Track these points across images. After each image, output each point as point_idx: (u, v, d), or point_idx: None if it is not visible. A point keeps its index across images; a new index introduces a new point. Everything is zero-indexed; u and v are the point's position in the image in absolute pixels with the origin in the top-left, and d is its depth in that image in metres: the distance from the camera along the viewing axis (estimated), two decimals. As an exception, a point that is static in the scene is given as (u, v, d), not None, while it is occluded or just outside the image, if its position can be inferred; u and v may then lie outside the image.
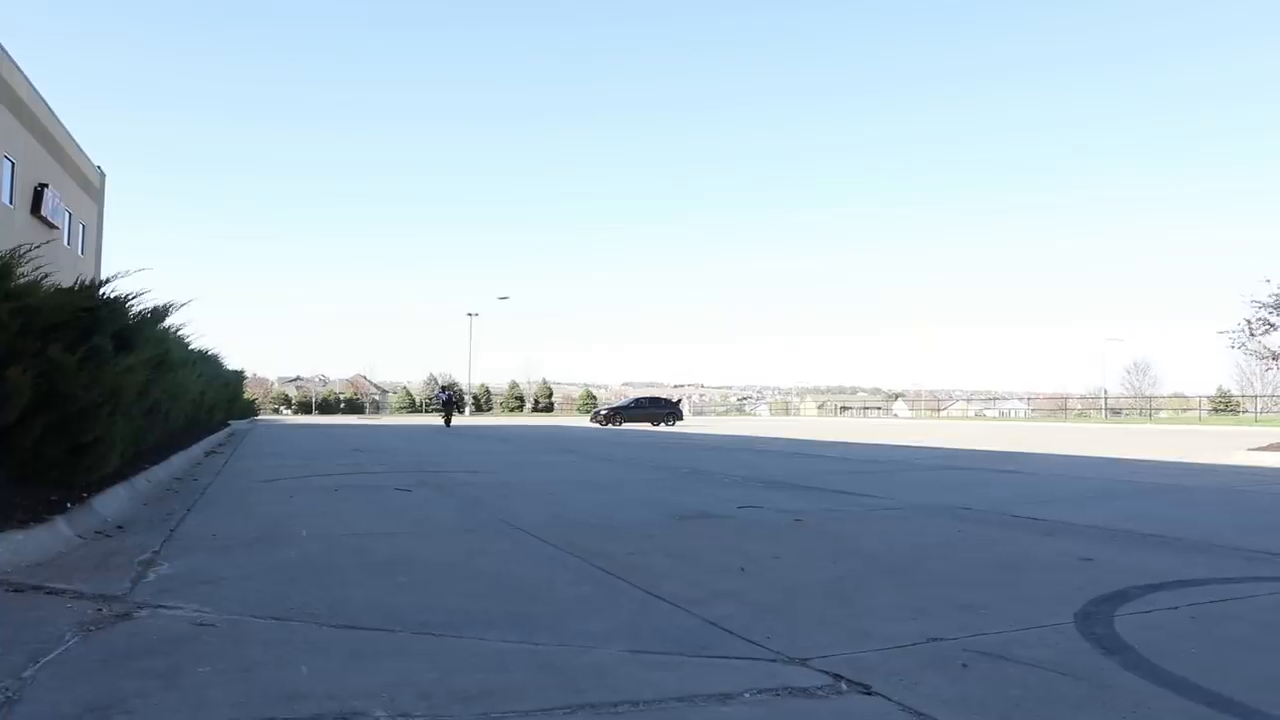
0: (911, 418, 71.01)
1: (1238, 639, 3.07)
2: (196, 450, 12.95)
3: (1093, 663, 2.76)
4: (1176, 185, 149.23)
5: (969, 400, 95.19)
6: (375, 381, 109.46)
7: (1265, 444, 14.82)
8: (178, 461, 10.25)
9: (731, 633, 3.13)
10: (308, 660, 2.72)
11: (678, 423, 43.15)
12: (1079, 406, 77.14)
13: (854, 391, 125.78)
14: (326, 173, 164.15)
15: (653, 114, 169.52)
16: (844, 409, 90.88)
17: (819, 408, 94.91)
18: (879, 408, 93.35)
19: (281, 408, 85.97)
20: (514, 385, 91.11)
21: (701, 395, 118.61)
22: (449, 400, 37.68)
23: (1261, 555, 4.80)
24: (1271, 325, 15.62)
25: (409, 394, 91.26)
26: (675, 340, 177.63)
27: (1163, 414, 69.38)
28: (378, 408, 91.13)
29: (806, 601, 3.66)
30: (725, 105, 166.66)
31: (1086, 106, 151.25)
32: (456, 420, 40.67)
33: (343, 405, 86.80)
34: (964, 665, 2.73)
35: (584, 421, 48.02)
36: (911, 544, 5.29)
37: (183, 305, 9.26)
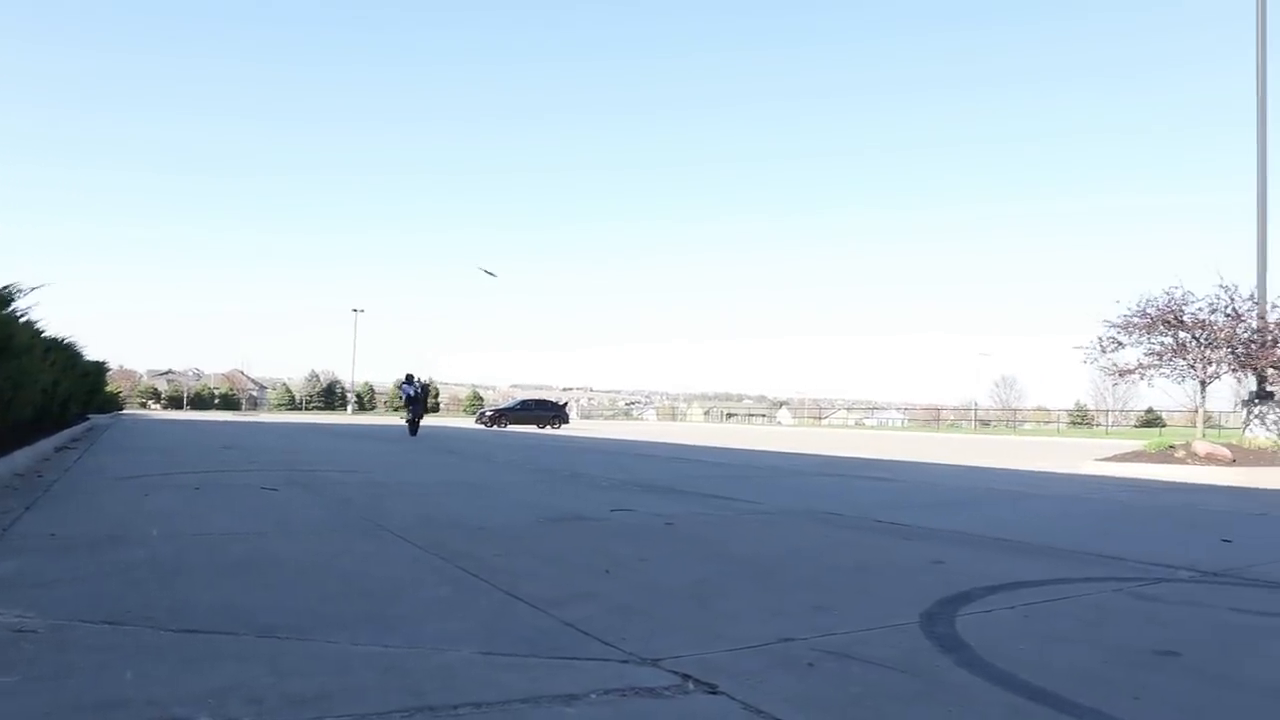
0: (794, 425, 72.84)
1: (1062, 636, 3.26)
2: (45, 445, 12.13)
3: (931, 661, 2.88)
4: (1048, 205, 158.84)
5: (850, 409, 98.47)
6: (253, 377, 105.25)
7: (1111, 455, 15.85)
8: (21, 457, 9.56)
9: (588, 634, 3.13)
10: (135, 666, 2.57)
11: (564, 426, 43.12)
12: (951, 417, 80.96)
13: (740, 398, 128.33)
14: (203, 170, 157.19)
15: (563, 116, 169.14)
16: (729, 415, 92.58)
17: (705, 414, 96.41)
18: (764, 415, 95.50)
19: (150, 402, 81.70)
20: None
21: (590, 399, 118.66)
22: (418, 396, 24.26)
23: (1093, 557, 5.12)
24: (1120, 344, 16.72)
25: (289, 390, 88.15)
26: (565, 344, 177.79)
27: (1027, 426, 73.47)
28: (255, 404, 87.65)
29: (667, 603, 3.69)
30: (647, 110, 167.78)
31: (972, 125, 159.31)
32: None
33: (217, 400, 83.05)
34: (810, 664, 2.80)
35: (469, 422, 47.34)
36: (776, 548, 5.42)
37: (33, 290, 8.70)
